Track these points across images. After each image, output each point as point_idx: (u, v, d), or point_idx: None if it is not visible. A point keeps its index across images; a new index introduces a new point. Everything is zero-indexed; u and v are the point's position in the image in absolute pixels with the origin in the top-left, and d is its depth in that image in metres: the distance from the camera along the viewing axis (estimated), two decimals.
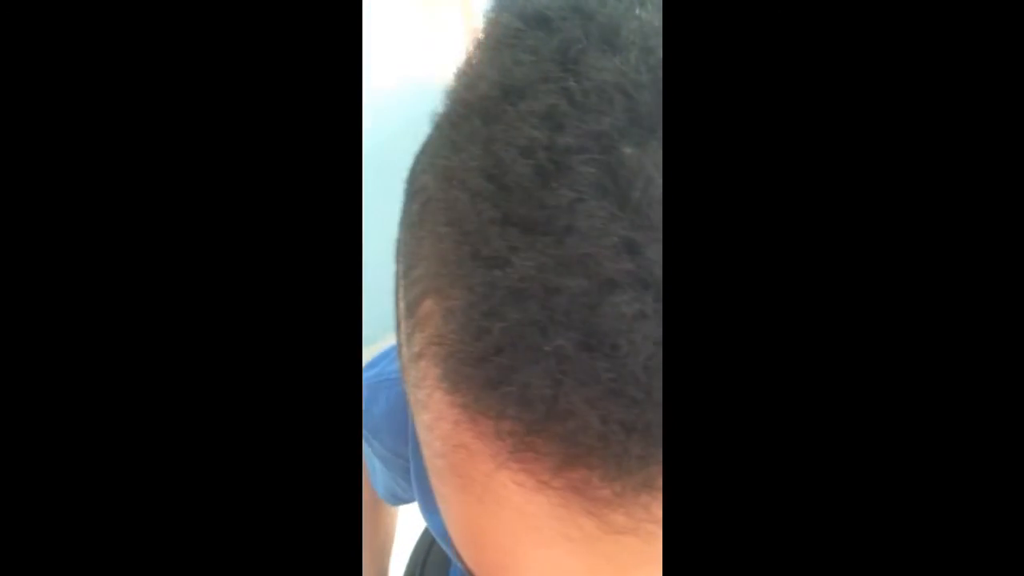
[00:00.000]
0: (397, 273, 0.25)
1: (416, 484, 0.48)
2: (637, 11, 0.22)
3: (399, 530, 0.73)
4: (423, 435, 0.23)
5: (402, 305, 0.23)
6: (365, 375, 0.52)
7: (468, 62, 0.24)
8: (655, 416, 0.18)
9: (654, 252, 0.19)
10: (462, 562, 0.24)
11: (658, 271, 0.19)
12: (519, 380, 0.19)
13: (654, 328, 0.19)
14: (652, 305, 0.19)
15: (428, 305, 0.22)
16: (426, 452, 0.23)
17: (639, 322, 0.19)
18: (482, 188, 0.20)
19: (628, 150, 0.19)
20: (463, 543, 0.23)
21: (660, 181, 0.19)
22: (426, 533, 0.79)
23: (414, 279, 0.22)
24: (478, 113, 0.21)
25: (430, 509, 0.48)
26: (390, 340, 0.32)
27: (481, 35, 0.24)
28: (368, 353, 0.50)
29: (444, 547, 0.55)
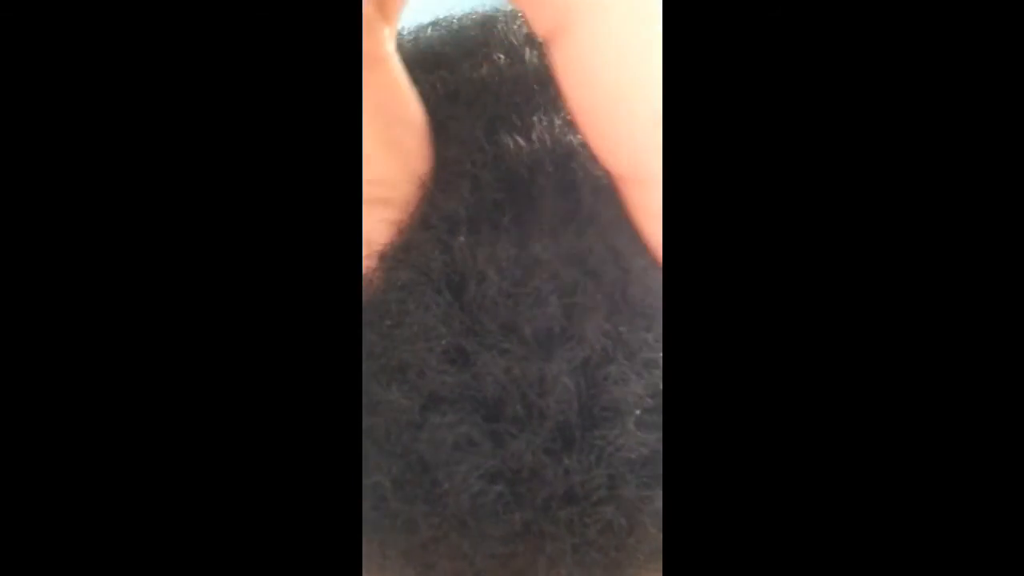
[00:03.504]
0: None
1: None
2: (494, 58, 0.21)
3: None
4: None
5: None
6: None
7: None
8: (489, 565, 0.17)
9: (485, 364, 0.17)
10: None
11: (493, 388, 0.17)
12: None
13: (486, 458, 0.17)
14: (483, 428, 0.17)
15: None
16: None
17: (464, 452, 0.17)
18: None
19: (461, 239, 0.18)
20: None
21: (499, 282, 0.17)
22: None
23: None
24: None
25: None
26: None
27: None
28: None
29: None
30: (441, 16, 0.24)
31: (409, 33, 0.24)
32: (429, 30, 0.23)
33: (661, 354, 0.18)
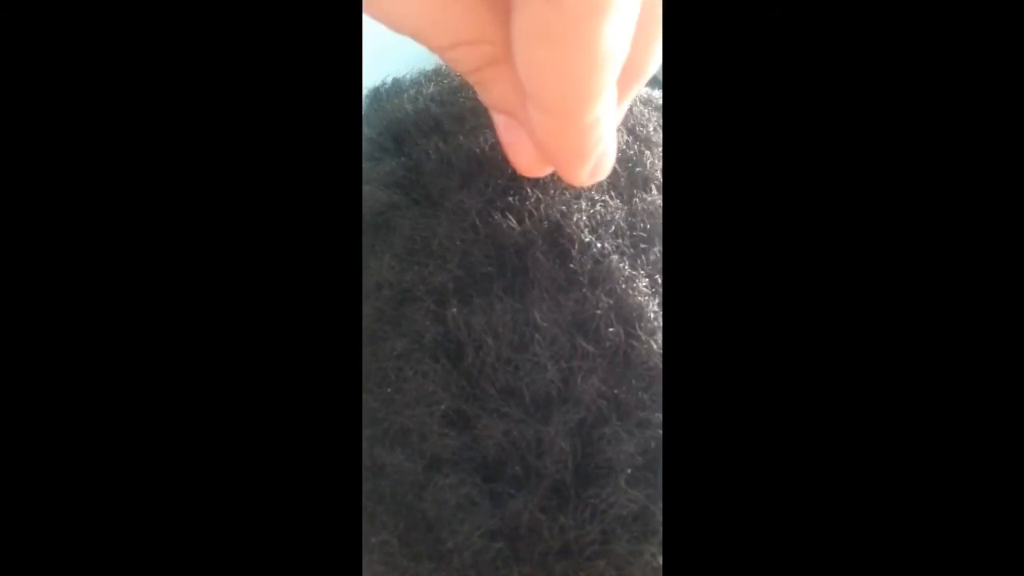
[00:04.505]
0: None
1: None
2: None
3: None
4: None
5: None
6: None
7: None
8: None
9: (486, 427, 0.18)
10: None
11: (493, 451, 0.18)
12: None
13: (487, 517, 0.18)
14: (483, 489, 0.18)
15: None
16: None
17: (466, 511, 0.18)
18: None
19: (454, 309, 0.19)
20: None
21: (495, 347, 0.18)
22: None
23: None
24: None
25: None
26: None
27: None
28: None
29: None
30: (442, 65, 0.25)
31: (411, 85, 0.24)
32: (431, 87, 0.24)
33: (657, 414, 0.19)
